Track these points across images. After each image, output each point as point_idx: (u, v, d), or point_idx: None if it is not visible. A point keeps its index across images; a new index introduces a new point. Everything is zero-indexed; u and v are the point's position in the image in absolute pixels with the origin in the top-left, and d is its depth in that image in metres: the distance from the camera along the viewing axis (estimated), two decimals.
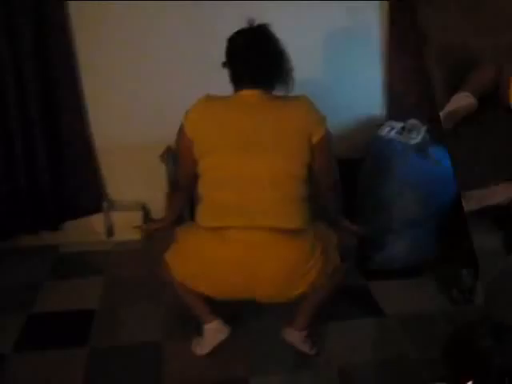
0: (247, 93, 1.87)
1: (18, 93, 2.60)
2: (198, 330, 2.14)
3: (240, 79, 1.89)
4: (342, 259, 1.95)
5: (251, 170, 1.80)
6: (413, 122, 2.66)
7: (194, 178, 1.96)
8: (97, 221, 3.04)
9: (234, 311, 2.24)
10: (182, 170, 2.03)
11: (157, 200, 2.81)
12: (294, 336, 2.12)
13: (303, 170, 1.84)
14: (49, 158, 2.75)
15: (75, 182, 2.88)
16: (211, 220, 1.85)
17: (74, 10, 2.63)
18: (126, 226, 2.84)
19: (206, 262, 1.87)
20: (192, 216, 2.64)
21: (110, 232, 3.07)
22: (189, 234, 1.96)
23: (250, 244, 1.80)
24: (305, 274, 1.85)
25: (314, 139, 1.84)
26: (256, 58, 1.85)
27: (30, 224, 2.85)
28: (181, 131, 1.90)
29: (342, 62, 2.90)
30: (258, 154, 1.80)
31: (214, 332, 2.10)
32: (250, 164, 1.80)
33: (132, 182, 3.01)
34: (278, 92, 1.90)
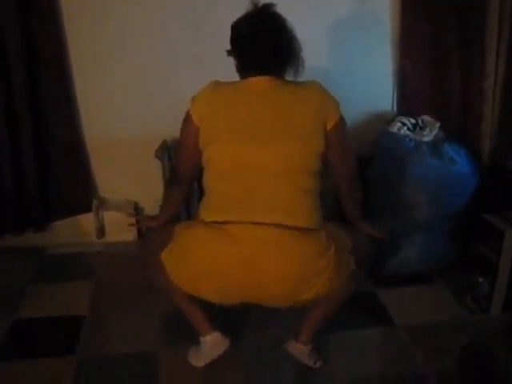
0: (257, 79, 1.80)
1: (2, 83, 2.50)
2: (195, 339, 2.03)
3: (248, 68, 1.82)
4: (357, 265, 1.81)
5: (262, 160, 1.74)
6: (426, 118, 2.59)
7: (195, 170, 1.90)
8: (86, 220, 2.96)
9: (235, 321, 2.15)
10: (182, 160, 1.95)
11: (150, 199, 2.70)
12: (299, 350, 1.99)
13: (317, 161, 1.79)
14: (35, 153, 2.67)
15: (63, 179, 2.80)
16: (216, 214, 1.78)
17: None
18: (118, 226, 2.85)
19: (208, 260, 1.76)
20: (189, 215, 2.57)
21: (100, 232, 2.99)
22: (189, 231, 1.84)
23: (257, 241, 1.71)
24: (315, 276, 1.73)
25: (329, 125, 1.79)
26: (264, 44, 1.78)
27: (15, 224, 2.76)
28: (187, 118, 1.83)
29: (351, 54, 2.83)
30: (269, 143, 1.74)
31: (213, 345, 1.98)
32: (261, 154, 1.74)
33: (124, 179, 2.94)
34: (288, 75, 1.85)
